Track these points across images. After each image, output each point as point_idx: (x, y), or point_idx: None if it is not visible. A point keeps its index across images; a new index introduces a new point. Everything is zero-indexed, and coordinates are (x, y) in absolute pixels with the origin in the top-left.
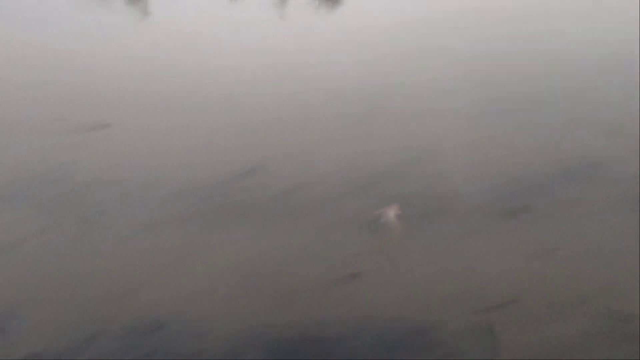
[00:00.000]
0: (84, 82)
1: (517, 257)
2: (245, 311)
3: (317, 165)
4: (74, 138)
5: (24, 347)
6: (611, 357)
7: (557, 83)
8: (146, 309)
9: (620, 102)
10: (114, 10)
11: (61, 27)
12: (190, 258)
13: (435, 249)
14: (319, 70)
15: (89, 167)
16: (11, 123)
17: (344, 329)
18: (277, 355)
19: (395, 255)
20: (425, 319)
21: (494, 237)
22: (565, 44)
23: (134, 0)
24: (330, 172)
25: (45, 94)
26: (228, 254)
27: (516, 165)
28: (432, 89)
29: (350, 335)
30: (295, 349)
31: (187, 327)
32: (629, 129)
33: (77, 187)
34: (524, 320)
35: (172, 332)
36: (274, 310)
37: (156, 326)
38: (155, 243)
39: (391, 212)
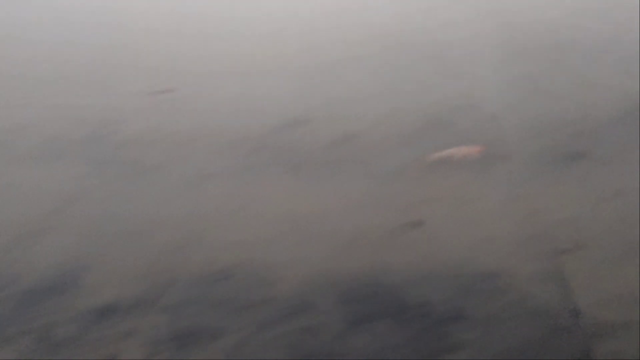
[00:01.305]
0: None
1: (583, 201)
2: (310, 259)
3: (365, 115)
4: (133, 97)
5: (99, 297)
6: None
7: None
8: (212, 258)
9: None
10: None
11: None
12: (249, 208)
13: (499, 193)
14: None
15: (143, 123)
16: (80, 83)
17: (412, 275)
18: (348, 300)
19: (459, 201)
20: (493, 264)
21: (557, 182)
22: None
23: None
24: (379, 122)
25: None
26: (288, 204)
27: (564, 110)
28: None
29: (419, 281)
30: (365, 295)
31: (254, 275)
32: None
33: (132, 143)
34: (593, 264)
35: (241, 280)
36: (339, 258)
37: (224, 275)
38: (213, 194)
39: (450, 156)
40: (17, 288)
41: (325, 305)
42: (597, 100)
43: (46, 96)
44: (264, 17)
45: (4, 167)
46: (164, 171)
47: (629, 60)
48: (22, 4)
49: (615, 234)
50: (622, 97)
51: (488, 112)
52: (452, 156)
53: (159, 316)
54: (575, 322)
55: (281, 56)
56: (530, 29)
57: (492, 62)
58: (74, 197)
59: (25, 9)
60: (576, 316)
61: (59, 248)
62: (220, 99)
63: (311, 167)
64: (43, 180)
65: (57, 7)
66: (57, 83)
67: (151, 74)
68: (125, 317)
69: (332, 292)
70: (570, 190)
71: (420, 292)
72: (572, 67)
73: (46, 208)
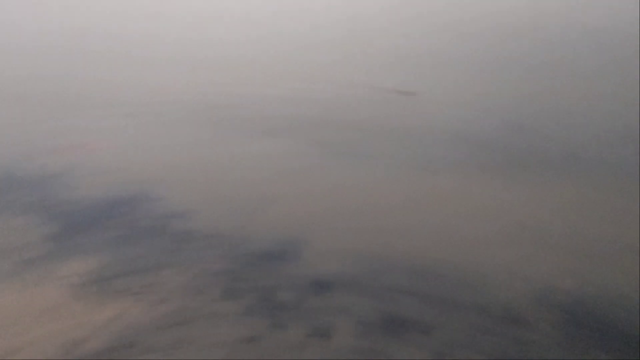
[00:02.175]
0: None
1: None
2: (533, 272)
3: None
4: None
5: (317, 270)
6: None
7: None
8: (429, 250)
9: None
10: None
11: None
12: (465, 205)
13: None
14: None
15: (368, 113)
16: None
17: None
18: (568, 322)
19: None
20: None
21: None
22: None
23: None
24: None
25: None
26: (504, 205)
27: None
28: None
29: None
30: (587, 323)
31: (471, 276)
32: None
33: (355, 129)
34: None
35: (456, 279)
36: (564, 275)
37: (440, 271)
38: (433, 187)
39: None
40: (246, 249)
41: (542, 323)
42: None
43: (272, 82)
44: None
45: (242, 139)
46: (385, 159)
47: None
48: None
49: None
50: None
51: None
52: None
53: (372, 299)
54: None
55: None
56: None
57: None
58: (299, 172)
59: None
60: None
61: (284, 219)
62: (453, 101)
63: (525, 169)
64: (274, 153)
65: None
66: (289, 72)
67: (392, 73)
68: (340, 294)
69: (552, 311)
70: None
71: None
72: None
73: (274, 180)
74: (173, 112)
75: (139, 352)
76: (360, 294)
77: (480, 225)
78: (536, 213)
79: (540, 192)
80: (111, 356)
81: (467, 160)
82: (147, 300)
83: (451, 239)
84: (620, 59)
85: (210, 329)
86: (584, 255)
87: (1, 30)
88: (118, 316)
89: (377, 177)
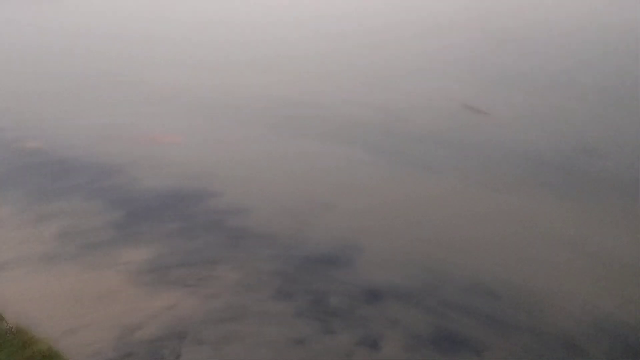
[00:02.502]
0: None
1: None
2: (594, 299)
3: None
4: None
5: (371, 278)
6: None
7: None
8: (488, 271)
9: None
10: None
11: None
12: (526, 228)
13: None
14: None
15: (435, 126)
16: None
17: None
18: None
19: None
20: None
21: None
22: None
23: None
24: None
25: None
26: (571, 230)
27: None
28: None
29: None
30: None
31: (526, 299)
32: None
33: (421, 140)
34: None
35: (510, 301)
36: (627, 307)
37: (495, 292)
38: (498, 205)
39: None
40: (301, 251)
41: (595, 351)
42: None
43: (345, 86)
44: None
45: (308, 141)
46: (449, 172)
47: None
48: None
49: None
50: None
51: None
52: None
53: (424, 313)
54: None
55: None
56: None
57: None
58: (360, 179)
59: None
60: None
61: (341, 224)
62: (523, 119)
63: (590, 193)
64: (338, 158)
65: None
66: (364, 77)
67: (465, 88)
68: (393, 304)
69: (608, 339)
70: None
71: None
72: None
73: (335, 184)
74: (244, 113)
75: (189, 343)
76: (413, 307)
77: (540, 247)
78: (599, 238)
79: (605, 217)
80: (163, 345)
81: (533, 180)
82: (200, 293)
83: (510, 259)
84: None
85: (260, 327)
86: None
87: (102, 32)
88: (172, 306)
89: (440, 191)
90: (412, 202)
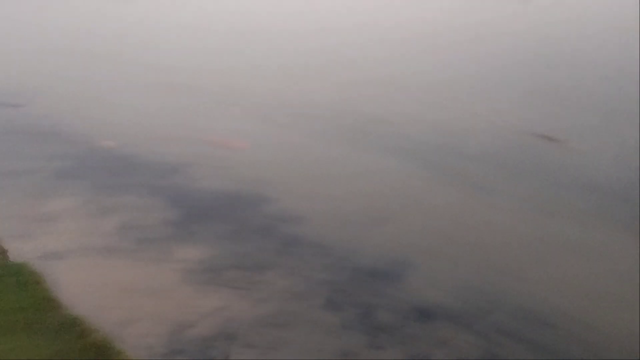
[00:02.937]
0: None
1: None
2: None
3: None
4: None
5: (421, 296)
6: None
7: None
8: (542, 298)
9: None
10: None
11: None
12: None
13: None
14: None
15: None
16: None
17: None
18: None
19: None
20: None
21: None
22: None
23: None
24: None
25: None
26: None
27: None
28: None
29: None
30: None
31: (583, 332)
32: None
33: (478, 160)
34: None
35: (567, 335)
36: None
37: (551, 322)
38: (554, 230)
39: None
40: (351, 263)
41: None
42: None
43: (408, 105)
44: None
45: (369, 155)
46: (511, 197)
47: None
48: None
49: None
50: None
51: None
52: None
53: (475, 337)
54: None
55: None
56: None
57: None
58: (418, 196)
59: None
60: None
61: (394, 239)
62: (594, 148)
63: None
64: (395, 174)
65: None
66: (434, 97)
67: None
68: (442, 324)
69: None
70: None
71: None
72: None
73: (392, 199)
74: (313, 124)
75: (238, 345)
76: (463, 330)
77: (601, 280)
78: None
79: None
80: (212, 345)
81: (597, 211)
82: (251, 296)
83: (568, 289)
84: None
85: (307, 336)
86: None
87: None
88: (223, 307)
89: (499, 215)
90: (469, 223)
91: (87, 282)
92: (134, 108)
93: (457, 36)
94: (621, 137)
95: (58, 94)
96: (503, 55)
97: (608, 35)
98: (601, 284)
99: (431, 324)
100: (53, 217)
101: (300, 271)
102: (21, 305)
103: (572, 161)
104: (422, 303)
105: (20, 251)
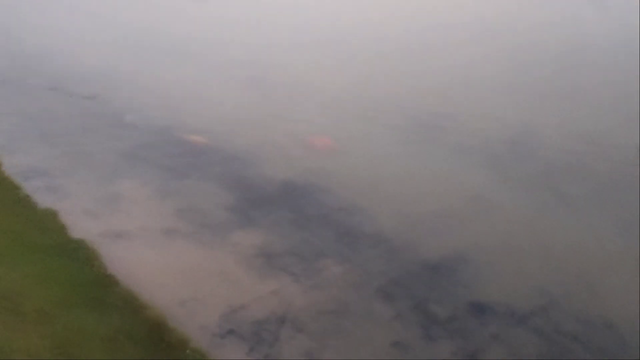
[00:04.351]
0: None
1: None
2: None
3: None
4: None
5: (474, 291)
6: None
7: None
8: (599, 304)
9: None
10: None
11: None
12: None
13: None
14: None
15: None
16: None
17: None
18: None
19: None
20: None
21: None
22: None
23: None
24: None
25: None
26: None
27: None
28: None
29: None
30: None
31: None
32: None
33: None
34: None
35: (621, 337)
36: None
37: (608, 326)
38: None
39: None
40: (410, 255)
41: None
42: None
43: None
44: None
45: (438, 152)
46: (591, 205)
47: None
48: None
49: None
50: None
51: None
52: None
53: (530, 334)
54: None
55: None
56: None
57: None
58: (481, 194)
59: None
60: None
61: (452, 233)
62: None
63: None
64: (458, 172)
65: None
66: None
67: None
68: (497, 320)
69: None
70: None
71: None
72: None
73: (453, 197)
74: (375, 114)
75: (288, 329)
76: (516, 326)
77: None
78: None
79: None
80: (263, 327)
81: None
82: (304, 283)
83: (631, 295)
84: None
85: (359, 324)
86: None
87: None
88: (276, 291)
89: (567, 220)
90: (531, 223)
91: (145, 262)
92: (211, 101)
93: (533, 32)
94: None
95: (137, 88)
96: (588, 53)
97: None
98: None
99: (485, 318)
100: (120, 198)
101: (355, 260)
102: (79, 280)
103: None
104: (477, 298)
105: (82, 228)
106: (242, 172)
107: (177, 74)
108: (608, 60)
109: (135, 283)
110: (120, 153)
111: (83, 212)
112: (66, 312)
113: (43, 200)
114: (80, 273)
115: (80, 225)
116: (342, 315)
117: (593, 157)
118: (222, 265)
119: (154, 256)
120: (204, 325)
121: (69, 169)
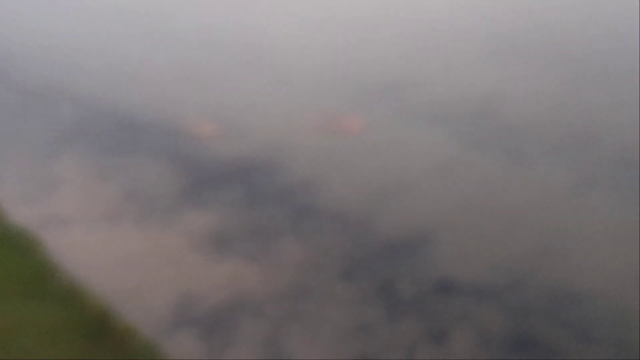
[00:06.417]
0: None
1: None
2: None
3: None
4: None
5: (441, 270)
6: None
7: None
8: (574, 276)
9: None
10: None
11: None
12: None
13: None
14: None
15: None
16: None
17: None
18: None
19: None
20: None
21: None
22: None
23: None
24: None
25: None
26: None
27: None
28: None
29: None
30: None
31: (611, 309)
32: None
33: (514, 130)
34: None
35: (594, 309)
36: None
37: (579, 298)
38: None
39: None
40: (370, 237)
41: None
42: None
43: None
44: None
45: (395, 122)
46: (544, 167)
47: None
48: None
49: None
50: None
51: None
52: None
53: (497, 312)
54: None
55: None
56: None
57: None
58: (442, 165)
59: None
60: None
61: (414, 210)
62: None
63: None
64: (421, 141)
65: None
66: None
67: None
68: (464, 299)
69: None
70: None
71: None
72: None
73: (415, 167)
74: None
75: (247, 316)
76: (484, 304)
77: (633, 258)
78: None
79: None
80: (220, 315)
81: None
82: (263, 266)
83: (600, 268)
84: None
85: (322, 308)
86: None
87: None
88: (232, 276)
89: (533, 189)
90: (500, 197)
91: (89, 249)
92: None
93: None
94: None
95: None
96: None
97: None
98: (635, 264)
99: (452, 297)
100: (60, 180)
101: (315, 240)
102: (18, 270)
103: (610, 136)
104: (443, 276)
105: (21, 215)
106: (191, 150)
107: (124, 47)
108: (585, 23)
109: (78, 271)
110: (60, 133)
111: (21, 197)
112: (2, 303)
113: None
114: (19, 262)
115: (19, 211)
116: (303, 299)
117: (564, 124)
118: (172, 250)
119: (98, 242)
120: (153, 313)
121: (3, 151)
